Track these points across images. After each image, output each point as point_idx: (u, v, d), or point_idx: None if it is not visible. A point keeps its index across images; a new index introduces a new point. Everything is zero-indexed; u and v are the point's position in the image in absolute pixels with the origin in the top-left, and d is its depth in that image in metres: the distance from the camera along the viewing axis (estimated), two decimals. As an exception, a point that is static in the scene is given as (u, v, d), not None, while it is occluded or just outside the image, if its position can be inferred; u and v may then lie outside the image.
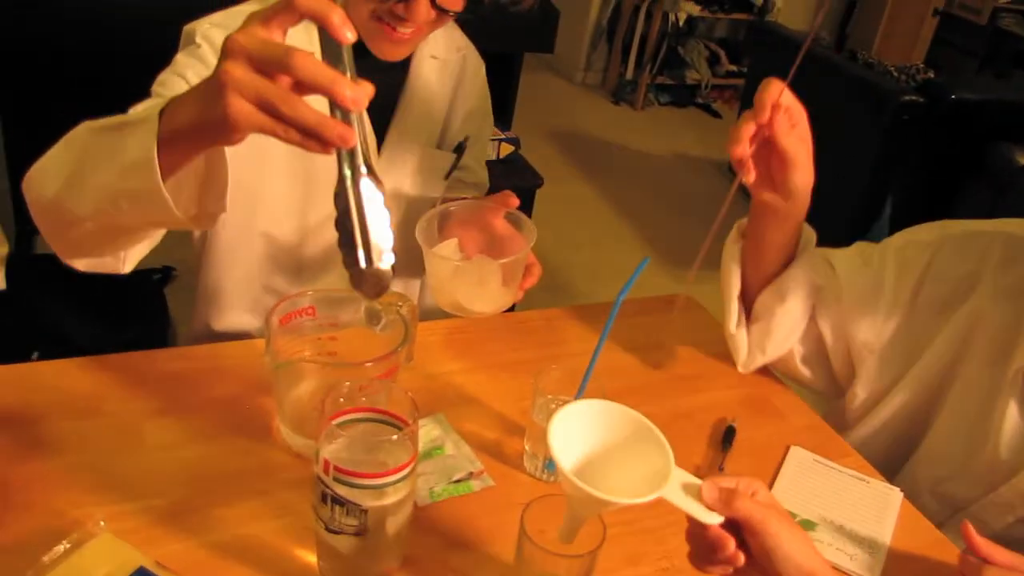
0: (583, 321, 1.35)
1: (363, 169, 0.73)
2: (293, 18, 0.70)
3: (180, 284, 2.95)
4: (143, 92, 1.13)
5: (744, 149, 1.04)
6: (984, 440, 1.10)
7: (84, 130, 0.92)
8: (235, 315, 1.38)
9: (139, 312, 2.52)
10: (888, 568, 1.00)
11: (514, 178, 2.82)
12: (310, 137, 0.71)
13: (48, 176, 0.94)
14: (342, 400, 0.80)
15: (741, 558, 0.76)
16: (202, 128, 0.77)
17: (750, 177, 1.08)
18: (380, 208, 0.74)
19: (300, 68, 0.68)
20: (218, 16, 1.22)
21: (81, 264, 1.03)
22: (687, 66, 5.50)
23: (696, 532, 0.79)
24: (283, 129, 0.71)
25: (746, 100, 4.52)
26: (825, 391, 1.29)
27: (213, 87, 0.70)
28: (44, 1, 2.37)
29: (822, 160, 3.78)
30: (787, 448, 1.16)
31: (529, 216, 3.01)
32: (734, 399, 1.24)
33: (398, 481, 0.76)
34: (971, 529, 0.92)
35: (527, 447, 1.04)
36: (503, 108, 3.33)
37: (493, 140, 2.79)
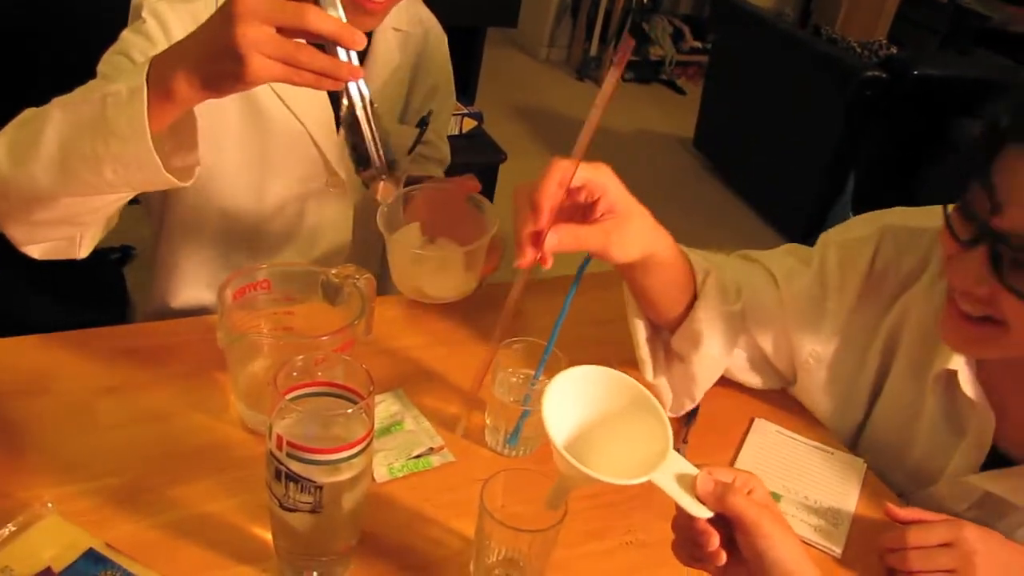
0: (545, 295, 1.33)
1: (374, 100, 0.90)
2: None
3: (139, 263, 2.90)
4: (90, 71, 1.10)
5: None
6: (912, 442, 1.09)
7: (56, 108, 0.93)
8: (193, 291, 1.36)
9: (98, 292, 2.47)
10: (852, 538, 1.00)
11: (477, 153, 2.80)
12: (325, 77, 0.83)
13: (13, 158, 0.94)
14: (295, 374, 0.78)
15: (723, 556, 0.72)
16: (210, 86, 0.85)
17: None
18: (383, 129, 0.95)
19: (314, 23, 0.80)
20: None
21: (37, 251, 1.06)
22: (651, 42, 5.48)
23: (683, 523, 0.75)
24: (298, 75, 0.82)
25: (710, 76, 4.52)
26: (778, 387, 1.23)
27: (228, 48, 0.78)
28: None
29: (785, 136, 3.81)
30: (751, 420, 1.15)
31: (492, 192, 2.98)
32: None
33: (353, 456, 0.74)
34: (890, 508, 0.95)
35: (488, 421, 1.03)
36: (466, 83, 3.30)
37: (456, 115, 2.77)
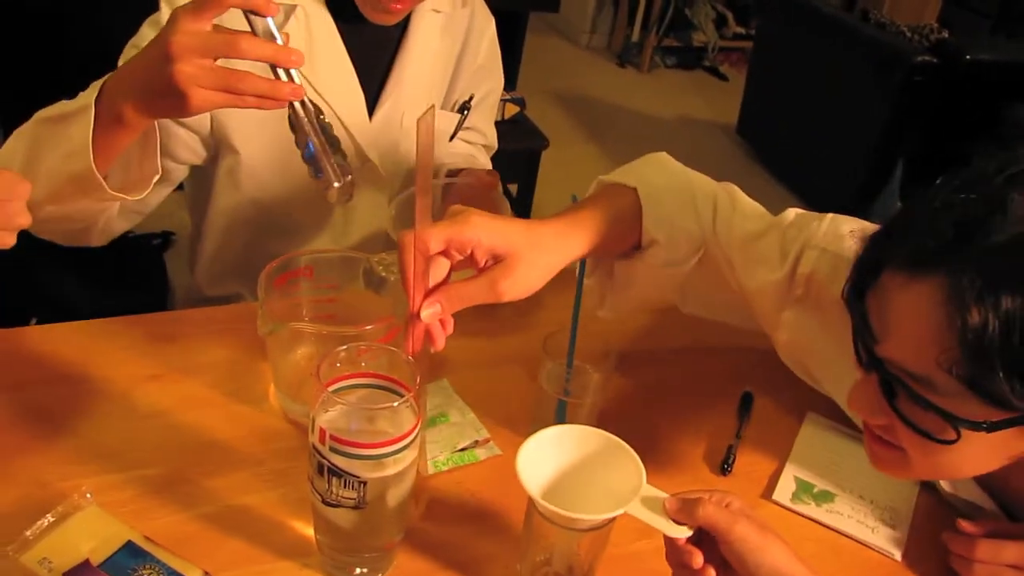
0: (589, 281, 1.30)
1: (321, 111, 0.90)
2: (220, 9, 0.82)
3: (180, 249, 2.91)
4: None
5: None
6: None
7: (33, 121, 1.00)
8: (230, 281, 1.35)
9: (139, 277, 2.48)
10: (912, 540, 0.96)
11: (519, 140, 2.76)
12: (266, 100, 0.84)
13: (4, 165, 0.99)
14: (339, 365, 0.75)
15: (711, 573, 0.74)
16: (157, 116, 0.91)
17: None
18: (333, 137, 0.93)
19: (247, 52, 0.82)
20: None
21: (54, 239, 1.11)
22: (694, 28, 5.40)
23: (670, 550, 0.77)
24: (240, 100, 0.84)
25: (754, 62, 4.44)
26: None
27: (169, 85, 0.82)
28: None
29: (831, 122, 3.73)
30: (805, 415, 1.11)
31: (535, 178, 2.95)
32: (751, 363, 1.18)
33: (399, 451, 0.72)
34: (963, 524, 0.90)
35: (535, 412, 1.00)
36: (508, 69, 3.26)
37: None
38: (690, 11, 5.38)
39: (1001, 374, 0.62)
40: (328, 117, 1.20)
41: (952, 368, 0.65)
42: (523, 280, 0.84)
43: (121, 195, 0.96)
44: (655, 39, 5.26)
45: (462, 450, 0.96)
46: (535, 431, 0.97)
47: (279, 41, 0.85)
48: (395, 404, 0.73)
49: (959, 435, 0.69)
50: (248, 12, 0.84)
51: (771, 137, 4.29)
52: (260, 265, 1.27)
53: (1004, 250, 0.63)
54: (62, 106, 0.97)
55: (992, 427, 0.67)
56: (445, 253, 0.81)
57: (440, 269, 0.81)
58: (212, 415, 0.97)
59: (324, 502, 0.74)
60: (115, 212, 1.12)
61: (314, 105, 0.91)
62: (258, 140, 1.22)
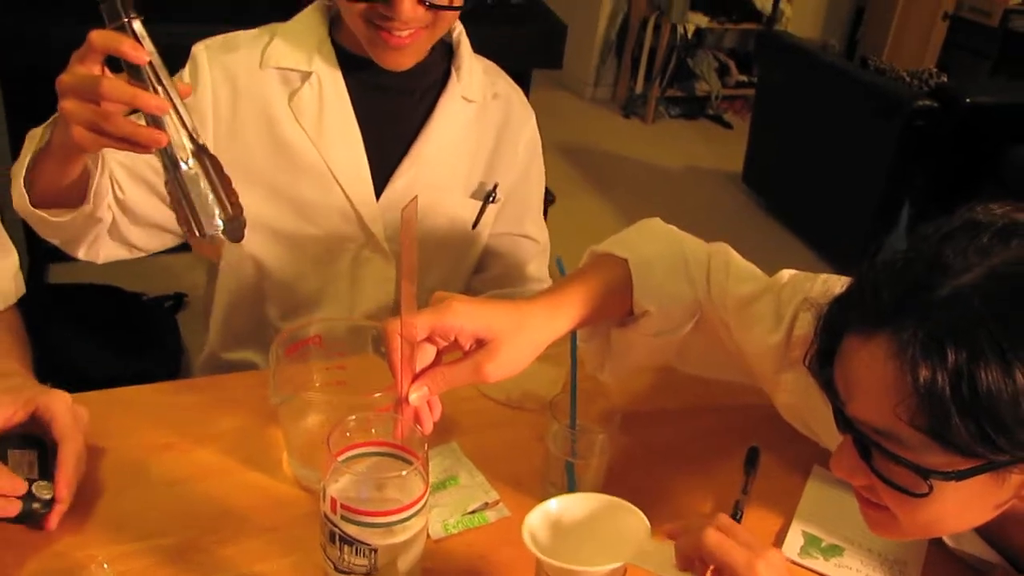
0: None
1: (181, 162, 0.88)
2: (97, 54, 0.84)
3: (194, 310, 2.94)
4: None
5: None
6: None
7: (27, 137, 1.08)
8: (240, 345, 1.36)
9: (152, 340, 2.51)
10: (921, 593, 0.96)
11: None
12: (130, 143, 0.86)
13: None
14: (348, 434, 0.77)
15: None
16: (66, 147, 0.94)
17: None
18: (208, 183, 0.90)
19: (107, 93, 0.83)
20: (222, 37, 1.24)
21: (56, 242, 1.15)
22: (697, 78, 5.47)
23: None
24: (114, 142, 0.86)
25: (757, 110, 4.49)
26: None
27: (63, 120, 0.87)
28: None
29: (836, 168, 3.76)
30: (811, 469, 1.12)
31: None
32: (757, 419, 1.19)
33: (409, 518, 0.73)
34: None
35: (543, 474, 1.01)
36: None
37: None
38: (692, 61, 5.44)
39: (957, 421, 0.65)
40: (329, 184, 1.23)
41: (912, 420, 0.67)
42: (508, 362, 0.87)
43: (43, 214, 1.03)
44: (659, 90, 5.32)
45: (472, 512, 0.97)
46: (544, 492, 0.99)
47: (150, 87, 0.85)
48: (404, 473, 0.74)
49: (931, 487, 0.70)
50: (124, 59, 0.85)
51: (777, 184, 4.33)
52: (269, 333, 1.30)
53: (945, 304, 0.66)
54: (41, 127, 1.04)
55: (960, 475, 0.69)
56: (430, 339, 0.84)
57: (427, 355, 0.85)
58: (226, 483, 0.98)
59: (337, 569, 0.75)
60: (101, 234, 1.16)
61: (205, 153, 0.90)
62: (250, 203, 1.24)
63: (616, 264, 1.01)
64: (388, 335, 0.81)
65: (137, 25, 0.83)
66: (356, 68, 1.24)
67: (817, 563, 0.98)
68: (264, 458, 1.02)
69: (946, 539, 0.97)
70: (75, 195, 1.04)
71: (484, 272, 1.46)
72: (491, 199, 1.35)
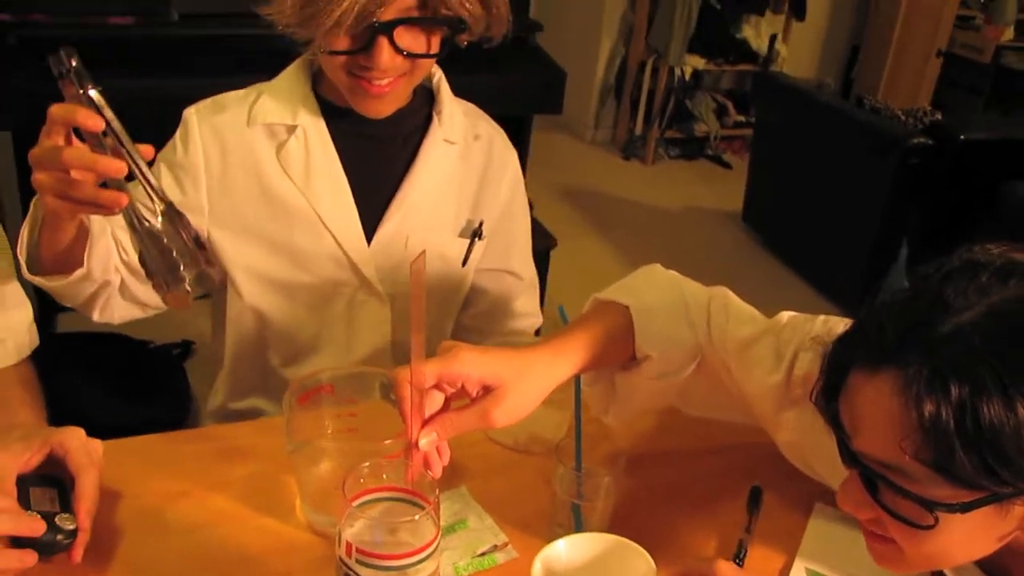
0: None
1: (144, 220, 0.92)
2: (59, 127, 0.89)
3: (200, 358, 2.97)
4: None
5: None
6: None
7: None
8: (245, 393, 1.39)
9: (160, 388, 2.53)
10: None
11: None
12: (95, 207, 0.91)
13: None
14: (362, 480, 0.80)
15: None
16: (49, 216, 0.99)
17: None
18: (174, 239, 0.94)
19: (68, 161, 0.87)
20: (209, 100, 1.29)
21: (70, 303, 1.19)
22: (695, 119, 5.53)
23: None
24: (83, 207, 0.91)
25: (755, 150, 4.54)
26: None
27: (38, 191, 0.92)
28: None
29: (835, 206, 3.79)
30: (812, 507, 1.14)
31: (545, 278, 3.02)
32: (759, 459, 1.22)
33: (422, 560, 0.76)
34: None
35: (551, 516, 1.03)
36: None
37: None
38: (690, 102, 5.51)
39: (962, 454, 0.67)
40: (320, 233, 1.27)
41: (917, 454, 0.69)
42: (513, 408, 0.90)
43: (41, 280, 1.08)
44: (658, 131, 5.38)
45: (482, 555, 1.00)
46: (552, 534, 1.01)
47: (107, 152, 0.90)
48: (416, 517, 0.77)
49: (937, 520, 0.72)
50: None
51: (776, 223, 4.37)
52: (273, 381, 1.33)
53: (947, 340, 0.69)
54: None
55: (965, 507, 0.71)
56: (438, 386, 0.88)
57: (435, 401, 0.88)
58: (241, 529, 1.01)
59: (352, 613, 0.78)
60: (112, 295, 1.20)
61: (172, 211, 0.95)
62: (246, 255, 1.30)
63: (618, 311, 1.04)
64: (398, 383, 0.85)
65: (94, 94, 0.89)
66: (340, 118, 1.28)
67: (820, 600, 1.00)
68: (277, 504, 1.05)
69: (948, 572, 0.99)
70: (78, 260, 1.08)
71: (471, 308, 1.49)
72: (478, 236, 1.39)
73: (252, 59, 2.93)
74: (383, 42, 1.12)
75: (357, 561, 0.75)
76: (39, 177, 0.91)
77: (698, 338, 1.06)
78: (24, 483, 0.92)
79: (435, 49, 1.19)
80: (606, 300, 1.07)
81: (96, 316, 1.21)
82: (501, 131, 1.43)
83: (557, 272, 2.99)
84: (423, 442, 0.86)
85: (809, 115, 4.08)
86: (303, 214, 1.28)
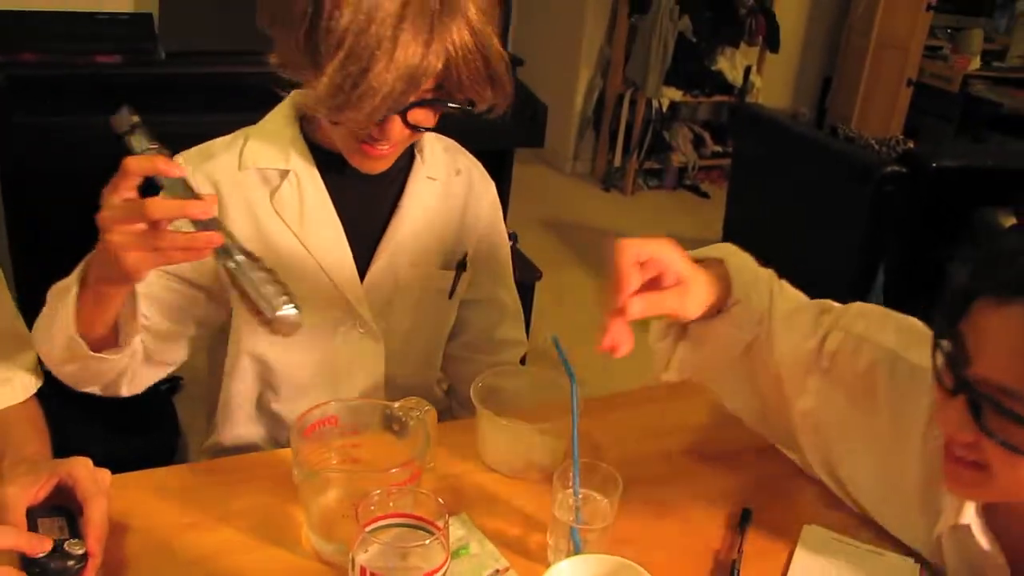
0: (595, 413, 1.38)
1: (245, 248, 0.97)
2: (133, 180, 0.93)
3: (188, 393, 2.98)
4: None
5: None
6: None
7: (49, 294, 1.13)
8: (240, 428, 1.41)
9: (150, 423, 2.54)
10: (911, 641, 1.02)
11: (513, 274, 2.88)
12: (188, 252, 0.95)
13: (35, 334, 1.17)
14: (373, 507, 0.83)
15: None
16: (116, 284, 1.03)
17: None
18: (264, 271, 0.99)
19: (155, 212, 0.91)
20: (195, 148, 1.30)
21: (95, 391, 1.23)
22: (673, 150, 5.62)
23: None
24: (167, 257, 0.94)
25: (732, 180, 4.62)
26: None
27: (108, 255, 0.94)
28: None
29: (812, 234, 3.85)
30: (800, 528, 1.18)
31: (530, 310, 3.06)
32: (749, 482, 1.26)
33: (432, 584, 0.79)
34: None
35: (550, 541, 1.07)
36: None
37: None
38: (668, 134, 5.60)
39: None
40: (316, 274, 1.30)
41: None
42: (697, 301, 1.06)
43: (105, 356, 1.11)
44: (636, 162, 5.46)
45: (484, 579, 1.03)
46: (553, 558, 1.04)
47: (191, 196, 0.95)
48: (427, 542, 0.80)
49: None
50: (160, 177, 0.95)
51: (755, 251, 4.37)
52: (267, 419, 1.36)
53: None
54: (66, 280, 1.10)
55: None
56: (644, 266, 0.98)
57: (633, 281, 0.97)
58: (250, 558, 1.03)
59: (366, 636, 0.81)
60: (138, 364, 1.22)
61: (243, 251, 0.99)
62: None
63: (711, 264, 1.15)
64: (620, 250, 0.95)
65: (159, 147, 0.94)
66: (329, 161, 1.30)
67: (811, 616, 1.04)
68: (283, 534, 1.07)
69: (974, 528, 1.01)
70: (109, 340, 1.12)
71: (459, 338, 1.52)
72: (463, 267, 1.43)
73: (238, 96, 2.99)
74: (396, 119, 1.15)
75: (371, 585, 0.78)
76: (116, 238, 0.93)
77: (763, 304, 1.17)
78: (33, 515, 0.95)
79: (435, 120, 1.23)
80: (699, 258, 1.15)
81: (125, 391, 1.24)
82: (478, 164, 1.48)
83: (542, 303, 3.03)
84: (634, 306, 0.95)
85: (785, 145, 4.16)
86: (298, 257, 1.30)
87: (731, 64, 5.50)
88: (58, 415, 2.05)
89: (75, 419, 2.27)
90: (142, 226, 0.92)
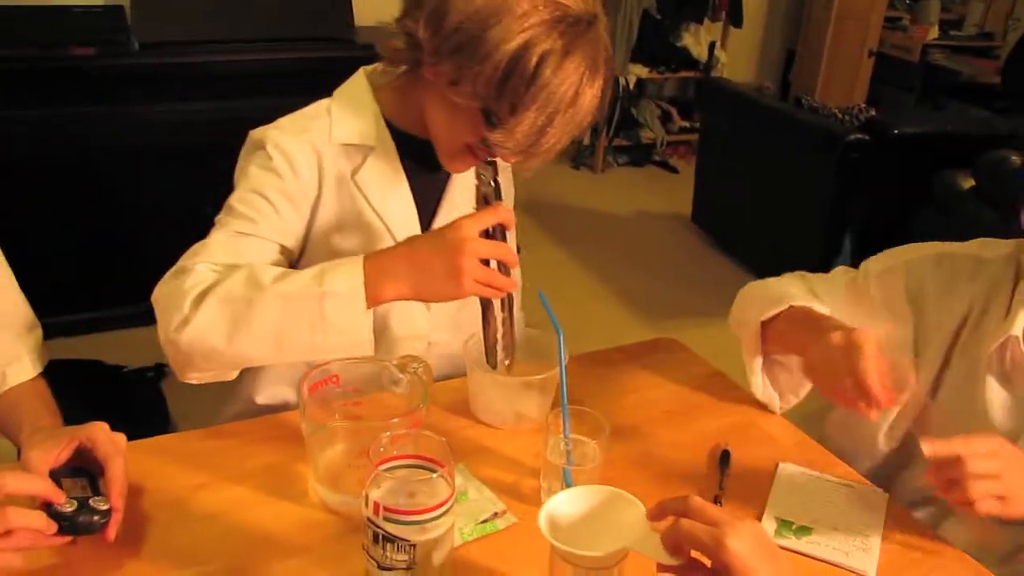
0: (578, 371, 1.45)
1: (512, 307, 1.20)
2: (494, 221, 1.16)
3: (173, 380, 3.02)
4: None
5: None
6: (975, 421, 1.24)
7: (271, 297, 1.12)
8: (275, 388, 1.44)
9: (141, 409, 2.59)
10: (883, 561, 1.10)
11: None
12: (497, 291, 1.15)
13: (228, 337, 1.12)
14: (382, 449, 0.90)
15: None
16: (419, 298, 1.15)
17: None
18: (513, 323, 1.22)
19: (511, 259, 1.15)
20: (285, 121, 1.32)
21: (195, 379, 1.23)
22: (641, 126, 5.69)
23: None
24: (491, 292, 1.14)
25: (701, 154, 4.70)
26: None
27: (451, 275, 1.11)
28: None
29: (780, 203, 3.96)
30: (777, 465, 1.26)
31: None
32: (725, 427, 1.34)
33: (440, 516, 0.86)
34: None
35: (543, 483, 1.14)
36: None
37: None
38: (636, 110, 5.67)
39: None
40: (383, 232, 1.35)
41: None
42: None
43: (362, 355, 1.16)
44: (606, 140, 5.53)
45: (484, 522, 1.10)
46: (546, 499, 1.11)
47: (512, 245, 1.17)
48: (434, 476, 0.87)
49: None
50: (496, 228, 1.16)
51: (724, 222, 4.53)
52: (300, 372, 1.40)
53: None
54: (295, 282, 1.13)
55: None
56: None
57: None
58: (260, 513, 1.10)
59: (380, 567, 0.87)
60: None
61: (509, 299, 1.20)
62: (320, 239, 1.34)
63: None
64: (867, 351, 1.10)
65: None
66: (403, 139, 1.34)
67: (790, 542, 1.11)
68: (291, 489, 1.14)
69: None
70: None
71: None
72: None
73: (211, 84, 3.03)
74: None
75: (384, 518, 0.84)
76: (468, 265, 1.09)
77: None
78: (56, 475, 1.00)
79: None
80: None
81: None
82: None
83: (524, 280, 3.08)
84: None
85: (751, 118, 4.25)
86: (376, 231, 1.34)
87: (696, 40, 5.56)
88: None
89: (65, 408, 2.32)
90: (485, 268, 1.12)
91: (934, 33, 5.90)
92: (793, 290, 1.37)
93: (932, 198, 3.66)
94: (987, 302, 1.27)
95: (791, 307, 1.32)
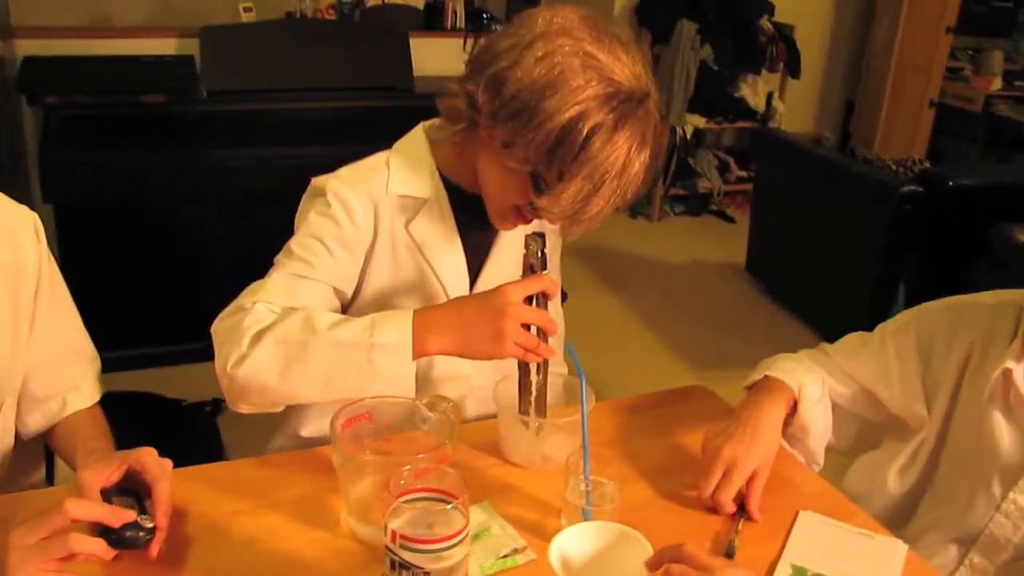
0: (608, 415, 1.50)
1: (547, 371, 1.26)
2: (538, 289, 1.21)
3: (231, 414, 3.11)
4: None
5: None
6: (985, 456, 1.29)
7: (323, 343, 1.19)
8: (321, 422, 1.48)
9: (194, 443, 2.68)
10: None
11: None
12: (538, 355, 1.21)
13: (281, 375, 1.20)
14: (402, 482, 0.96)
15: None
16: (461, 355, 1.22)
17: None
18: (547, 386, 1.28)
19: (551, 328, 1.21)
20: (345, 171, 1.39)
21: (245, 409, 1.28)
22: (698, 176, 5.72)
23: None
24: (529, 355, 1.20)
25: (756, 204, 4.73)
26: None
27: (494, 336, 1.17)
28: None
29: (834, 254, 3.98)
30: (796, 513, 1.28)
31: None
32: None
33: (454, 545, 0.92)
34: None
35: (564, 522, 1.18)
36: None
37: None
38: (693, 160, 5.70)
39: None
40: (439, 296, 1.41)
41: None
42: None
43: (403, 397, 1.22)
44: (663, 189, 5.57)
45: (504, 557, 1.14)
46: (563, 534, 1.16)
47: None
48: (449, 507, 0.93)
49: None
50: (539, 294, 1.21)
51: (779, 273, 4.53)
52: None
53: None
54: (347, 330, 1.19)
55: None
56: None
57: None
58: (294, 540, 1.16)
59: (397, 593, 0.93)
60: None
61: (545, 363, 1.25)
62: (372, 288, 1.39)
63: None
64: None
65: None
66: (455, 193, 1.40)
67: (802, 588, 1.14)
68: (324, 519, 1.20)
69: (1016, 373, 1.27)
70: None
71: None
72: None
73: (275, 130, 3.16)
74: None
75: (401, 546, 0.90)
76: (511, 328, 1.16)
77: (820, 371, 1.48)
78: (107, 494, 1.09)
79: None
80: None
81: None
82: None
83: (569, 324, 3.13)
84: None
85: (806, 168, 4.26)
86: (428, 285, 1.40)
87: (753, 90, 5.60)
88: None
89: (124, 438, 2.42)
90: (525, 332, 1.19)
91: (997, 84, 5.85)
92: (789, 364, 1.46)
93: (990, 250, 3.63)
94: (989, 341, 1.32)
95: (766, 376, 1.43)
